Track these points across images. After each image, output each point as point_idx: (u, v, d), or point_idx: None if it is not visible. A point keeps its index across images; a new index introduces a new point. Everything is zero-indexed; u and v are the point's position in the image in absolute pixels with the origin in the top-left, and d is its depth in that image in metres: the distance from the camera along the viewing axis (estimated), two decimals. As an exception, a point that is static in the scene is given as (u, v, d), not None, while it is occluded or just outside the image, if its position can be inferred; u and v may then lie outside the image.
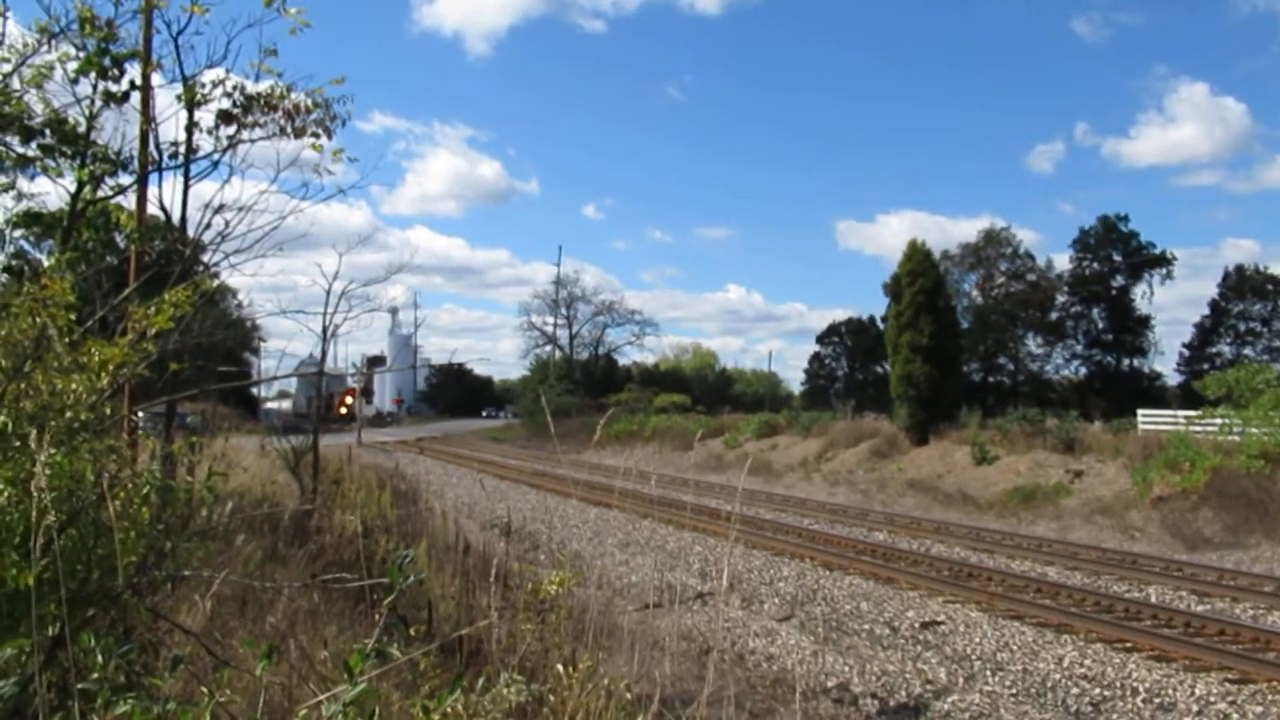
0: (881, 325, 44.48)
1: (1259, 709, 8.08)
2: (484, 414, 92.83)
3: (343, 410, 68.96)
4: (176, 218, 8.60)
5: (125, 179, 8.27)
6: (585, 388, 64.82)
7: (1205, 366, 47.60)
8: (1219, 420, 22.43)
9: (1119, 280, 55.24)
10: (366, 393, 77.02)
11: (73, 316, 3.73)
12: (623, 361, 78.62)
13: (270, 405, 78.92)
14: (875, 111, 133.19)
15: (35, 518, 2.54)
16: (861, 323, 68.60)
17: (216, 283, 9.71)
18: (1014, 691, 8.70)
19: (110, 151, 8.07)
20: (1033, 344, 58.60)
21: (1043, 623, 11.04)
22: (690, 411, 56.48)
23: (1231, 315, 53.08)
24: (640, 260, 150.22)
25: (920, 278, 31.79)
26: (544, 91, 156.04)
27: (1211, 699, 8.38)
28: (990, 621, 11.16)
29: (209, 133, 8.56)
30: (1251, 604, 12.32)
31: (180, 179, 8.60)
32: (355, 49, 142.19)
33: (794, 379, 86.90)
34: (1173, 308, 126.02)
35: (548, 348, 74.72)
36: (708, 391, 74.24)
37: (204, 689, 2.30)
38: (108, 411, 3.69)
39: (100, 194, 8.06)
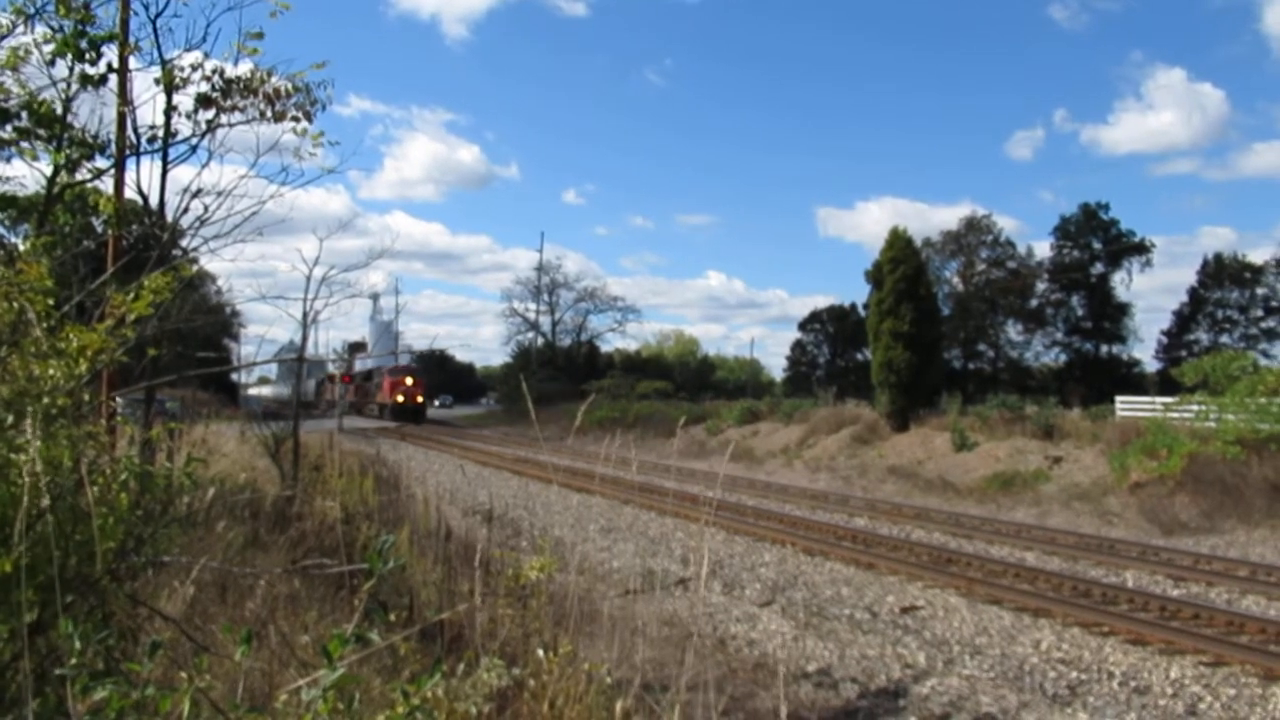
0: (863, 312, 44.64)
1: (1232, 691, 8.20)
2: (438, 403, 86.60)
3: (400, 398, 59.68)
4: (155, 202, 8.53)
5: (102, 163, 8.20)
6: (567, 374, 64.75)
7: (1183, 353, 48.06)
8: (1196, 407, 22.64)
9: (1098, 268, 55.67)
10: (332, 380, 76.74)
11: (50, 301, 3.70)
12: (605, 348, 78.52)
13: (251, 391, 78.45)
14: (855, 96, 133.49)
15: (27, 502, 2.53)
16: (843, 309, 68.81)
17: (196, 268, 9.65)
18: (992, 675, 8.78)
19: (87, 135, 7.99)
20: (1013, 331, 59.11)
21: (1021, 607, 11.15)
22: (672, 398, 56.57)
23: (1209, 303, 53.58)
24: (622, 246, 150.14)
25: (901, 265, 31.93)
26: (523, 75, 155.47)
27: (1186, 682, 8.49)
28: (969, 606, 11.26)
29: (187, 117, 8.48)
30: (1226, 588, 12.48)
31: (158, 163, 8.52)
32: (332, 32, 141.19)
33: (776, 366, 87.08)
34: (1151, 295, 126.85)
35: (530, 334, 74.60)
36: (690, 378, 74.29)
37: (183, 674, 2.29)
38: (85, 398, 3.67)
39: (77, 178, 7.99)
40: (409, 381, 60.57)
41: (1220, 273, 53.32)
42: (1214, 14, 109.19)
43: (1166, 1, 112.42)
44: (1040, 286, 57.52)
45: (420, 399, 61.53)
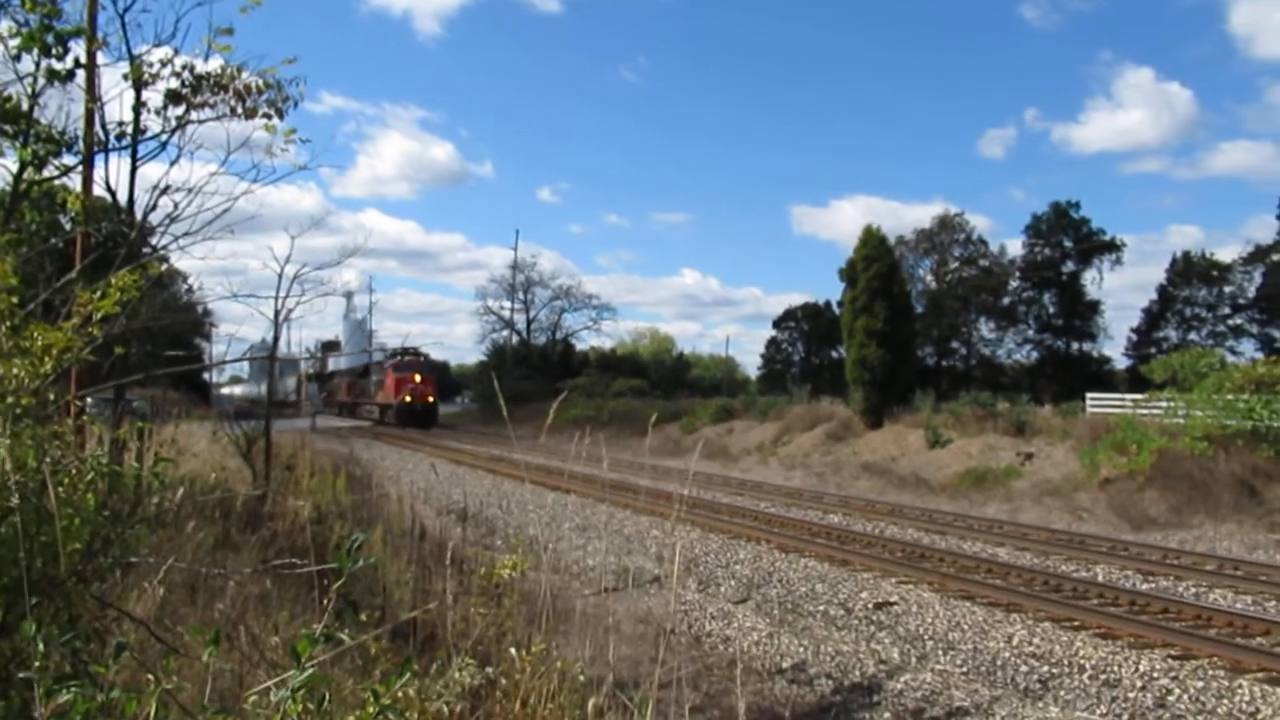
0: (837, 310, 44.94)
1: (1200, 684, 8.30)
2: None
3: (407, 398, 50.33)
4: (124, 199, 8.44)
5: (70, 159, 8.08)
6: (543, 373, 64.63)
7: (1152, 351, 48.56)
8: (1164, 403, 22.91)
9: (1070, 266, 56.16)
10: (321, 378, 75.92)
11: (15, 300, 3.65)
12: (580, 346, 78.42)
13: (224, 391, 77.60)
14: (829, 94, 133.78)
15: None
16: (818, 307, 69.04)
17: (165, 266, 9.54)
18: (965, 670, 8.85)
19: (54, 131, 7.88)
20: (985, 328, 59.56)
21: (993, 602, 11.23)
22: (648, 396, 56.60)
23: (1178, 301, 54.19)
24: (597, 245, 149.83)
25: (875, 263, 32.12)
26: (497, 72, 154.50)
27: (1155, 675, 8.59)
28: (942, 602, 11.33)
29: (157, 113, 8.38)
30: (1194, 582, 12.64)
31: (127, 160, 8.42)
32: (303, 28, 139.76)
33: (751, 363, 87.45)
34: (1121, 293, 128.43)
35: (504, 333, 74.38)
36: (665, 376, 74.33)
37: (150, 676, 2.27)
38: (51, 397, 3.63)
39: (44, 174, 7.88)
40: (418, 379, 51.59)
41: (1189, 271, 53.95)
42: (1182, 14, 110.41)
43: (1135, 1, 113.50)
44: (1012, 284, 58.01)
45: (432, 399, 52.18)
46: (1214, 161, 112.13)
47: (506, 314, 73.76)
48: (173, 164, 8.23)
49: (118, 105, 8.35)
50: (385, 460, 29.41)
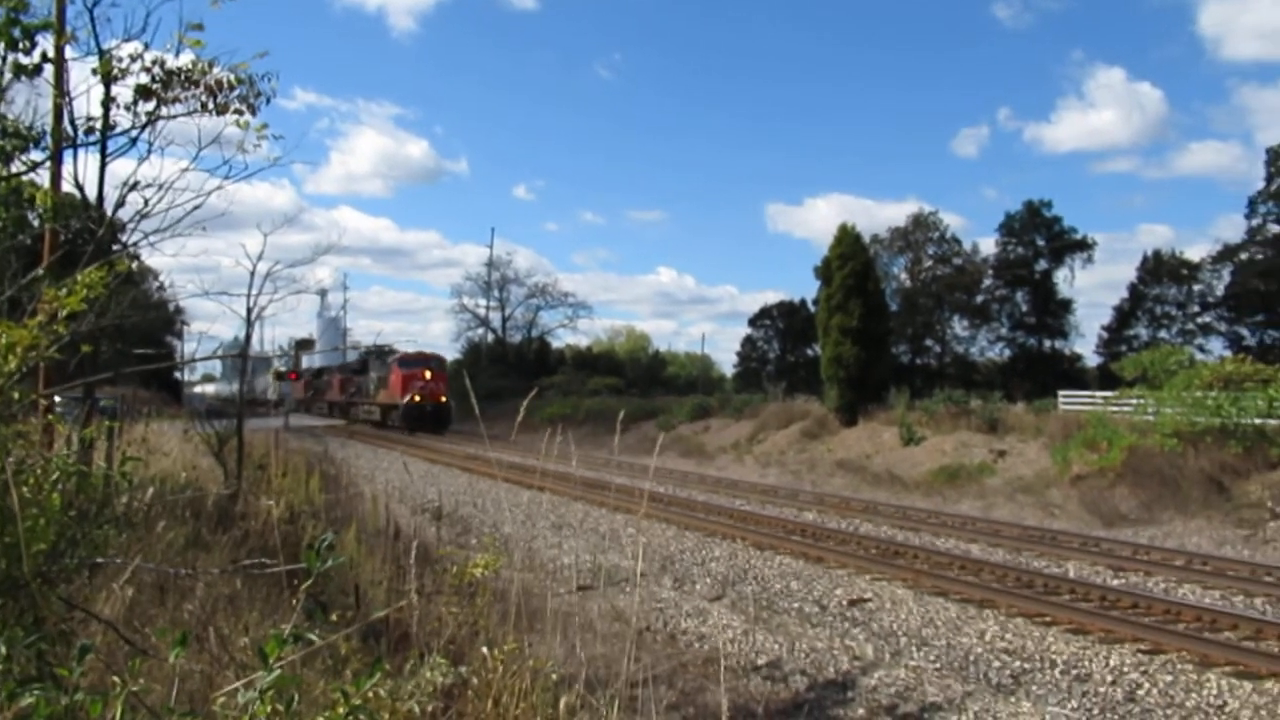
0: (812, 308, 45.09)
1: (1169, 678, 8.39)
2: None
3: (416, 397, 44.38)
4: (93, 195, 8.33)
5: (38, 155, 7.97)
6: (518, 371, 64.47)
7: (1123, 349, 49.10)
8: (1135, 401, 23.15)
9: (1042, 264, 56.69)
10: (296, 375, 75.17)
11: (-21, 297, 3.60)
12: (556, 344, 78.32)
13: (196, 390, 76.89)
14: (804, 92, 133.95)
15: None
16: (793, 305, 69.27)
17: (135, 264, 9.44)
18: (938, 666, 8.90)
19: (21, 126, 7.77)
20: (959, 326, 60.08)
21: (966, 599, 11.32)
22: (624, 394, 56.60)
23: (1148, 299, 54.78)
24: (572, 242, 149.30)
25: (850, 261, 32.28)
26: (472, 69, 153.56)
27: (1125, 669, 8.68)
28: (916, 598, 11.40)
29: (127, 108, 8.28)
30: (1164, 577, 12.78)
31: (96, 155, 8.32)
32: (276, 23, 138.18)
33: (726, 361, 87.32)
34: (1092, 291, 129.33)
35: (480, 330, 74.21)
36: (641, 374, 74.37)
37: (116, 679, 2.24)
38: (15, 396, 3.57)
39: (11, 170, 7.77)
40: (428, 375, 45.39)
41: (1159, 269, 54.56)
42: (1152, 14, 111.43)
43: (1106, 2, 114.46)
44: (985, 283, 58.46)
45: (444, 399, 45.43)
46: (1183, 161, 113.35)
47: (482, 312, 73.67)
48: (143, 160, 8.13)
49: (86, 100, 8.25)
50: (360, 459, 29.26)
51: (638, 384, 67.26)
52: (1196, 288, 53.64)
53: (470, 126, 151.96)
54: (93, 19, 7.85)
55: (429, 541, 6.46)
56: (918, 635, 9.99)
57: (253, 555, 6.42)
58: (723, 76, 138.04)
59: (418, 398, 44.31)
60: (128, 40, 7.96)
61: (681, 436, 37.05)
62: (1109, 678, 8.50)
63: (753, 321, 73.13)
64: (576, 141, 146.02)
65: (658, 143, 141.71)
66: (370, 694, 2.29)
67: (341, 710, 2.22)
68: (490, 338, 73.52)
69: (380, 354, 50.58)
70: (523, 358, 71.02)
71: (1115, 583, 12.44)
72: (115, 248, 7.92)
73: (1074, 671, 8.71)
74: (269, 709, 2.14)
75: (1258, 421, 19.49)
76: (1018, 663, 8.97)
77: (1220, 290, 52.46)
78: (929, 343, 60.12)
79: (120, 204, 7.68)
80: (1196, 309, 53.49)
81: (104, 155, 8.41)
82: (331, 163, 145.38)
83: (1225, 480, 18.98)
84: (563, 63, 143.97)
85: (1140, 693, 8.12)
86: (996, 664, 8.95)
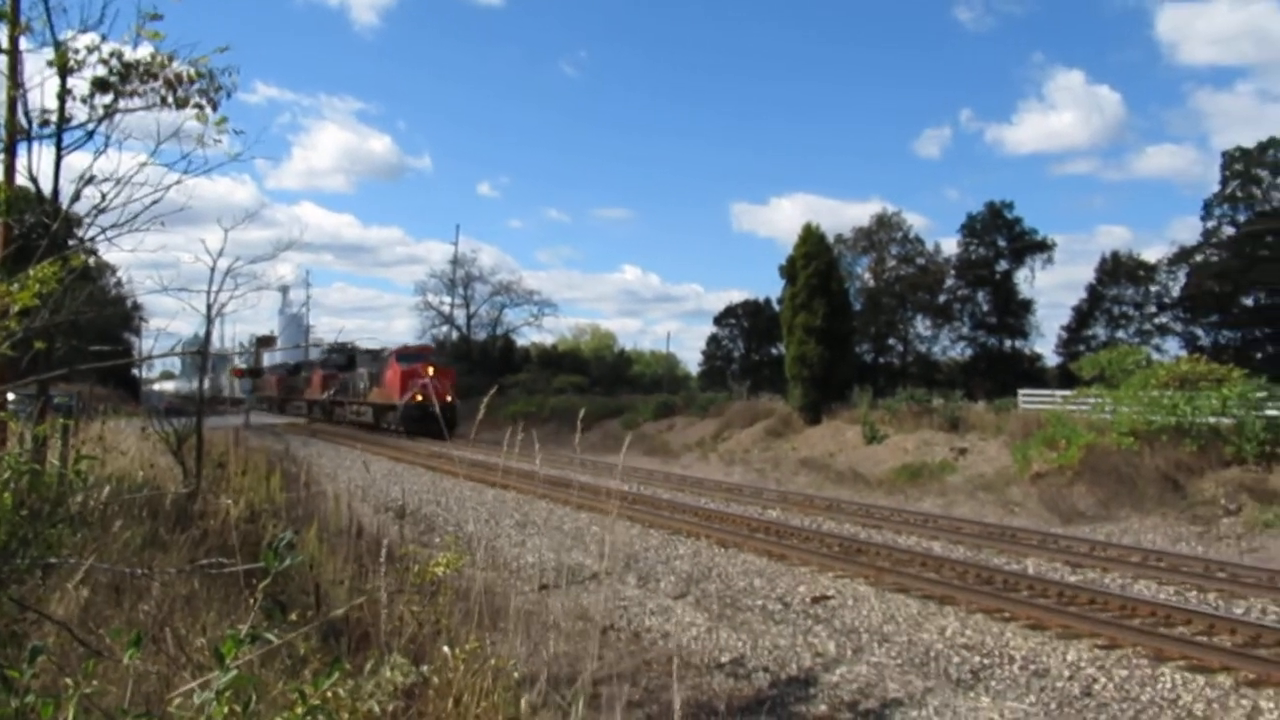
0: (777, 307, 45.27)
1: (1125, 673, 8.53)
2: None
3: (418, 397, 37.67)
4: (48, 189, 8.18)
5: (-9, 147, 7.82)
6: (483, 369, 64.16)
7: (1081, 348, 49.83)
8: (1093, 400, 23.49)
9: (1003, 265, 57.35)
10: (255, 373, 74.19)
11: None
12: (521, 342, 78.00)
13: (155, 387, 75.77)
14: (768, 89, 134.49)
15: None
16: (758, 304, 69.50)
17: (92, 259, 9.29)
18: (899, 662, 8.98)
19: (-27, 118, 7.62)
20: (921, 326, 60.66)
21: (927, 595, 11.42)
22: (589, 392, 56.55)
23: (1106, 299, 55.62)
24: (537, 240, 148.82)
25: (815, 260, 32.48)
26: (435, 65, 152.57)
27: (1082, 664, 8.81)
28: (878, 595, 11.49)
29: (83, 101, 8.14)
30: (1120, 573, 12.98)
31: (52, 148, 8.17)
32: (237, 16, 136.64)
33: (692, 360, 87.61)
34: (1052, 291, 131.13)
35: (444, 328, 73.77)
36: (606, 372, 74.28)
37: (69, 681, 2.21)
38: (-33, 392, 3.51)
39: (-37, 163, 7.61)
40: (431, 371, 39.57)
41: (1116, 270, 55.41)
42: (1111, 18, 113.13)
43: (1066, 5, 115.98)
44: (947, 283, 59.06)
45: (451, 398, 39.45)
46: (1141, 164, 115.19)
47: (446, 309, 73.22)
48: (99, 153, 8.00)
49: (41, 93, 8.10)
50: (322, 457, 29.00)
51: (603, 382, 67.19)
52: (1153, 289, 54.62)
53: (434, 122, 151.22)
54: (48, 9, 7.71)
55: (392, 540, 6.42)
56: (879, 632, 10.07)
57: (211, 555, 6.34)
58: (688, 75, 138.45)
59: (420, 397, 37.95)
60: (84, 32, 7.84)
61: (646, 435, 37.07)
62: (1066, 673, 8.62)
63: (718, 320, 73.35)
64: (541, 138, 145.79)
65: (623, 140, 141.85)
66: (329, 694, 2.27)
67: (300, 710, 2.20)
68: (455, 335, 73.10)
69: (371, 350, 47.29)
70: (487, 356, 70.68)
71: (1073, 579, 12.62)
72: (71, 242, 7.79)
73: (1032, 667, 8.82)
74: (226, 710, 2.12)
75: (1211, 420, 19.84)
76: (977, 658, 9.07)
77: (1176, 291, 53.45)
78: (892, 342, 60.63)
79: (76, 198, 7.56)
80: (1153, 309, 54.44)
81: (60, 148, 8.27)
82: (293, 158, 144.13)
83: (1180, 478, 19.31)
84: (528, 59, 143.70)
85: (1096, 687, 8.24)
86: (956, 660, 9.05)
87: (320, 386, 53.88)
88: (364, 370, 46.68)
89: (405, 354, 42.88)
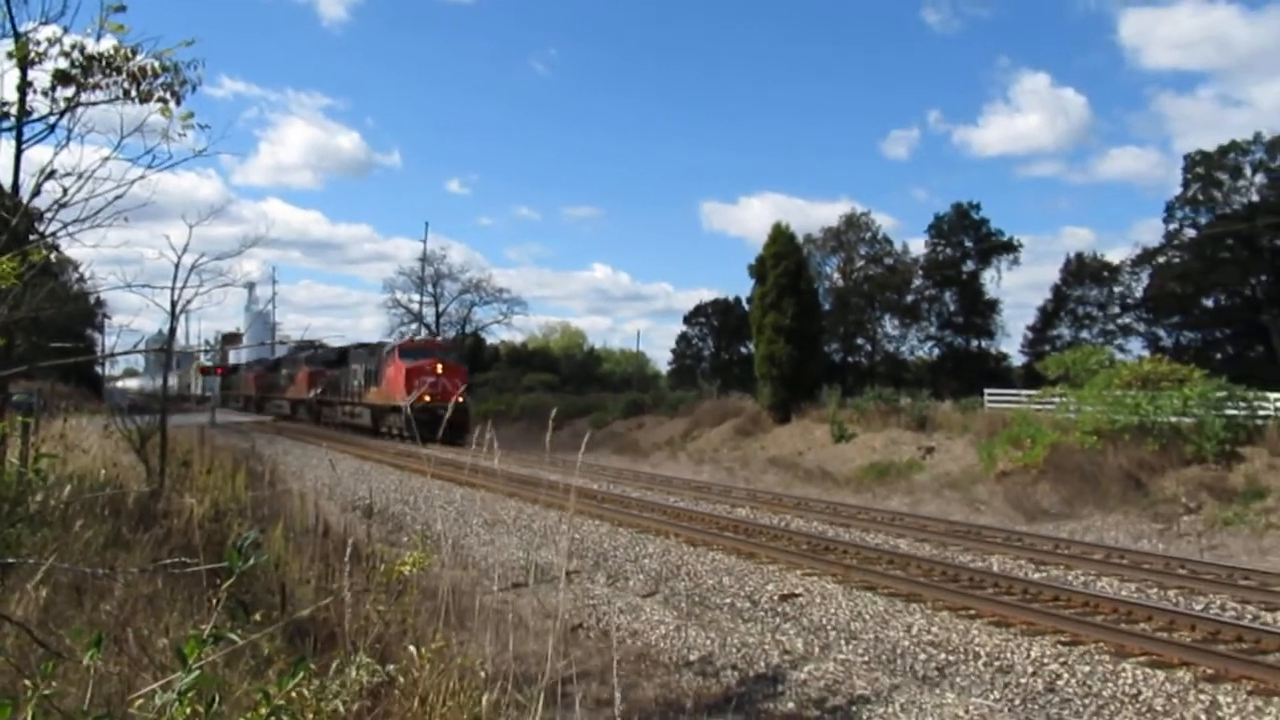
0: (747, 306, 45.46)
1: (1087, 669, 8.63)
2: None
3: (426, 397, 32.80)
4: (7, 183, 8.05)
5: (-51, 141, 7.68)
6: (452, 367, 63.74)
7: (1046, 348, 50.37)
8: (1057, 399, 23.76)
9: (970, 265, 57.93)
10: (231, 370, 73.36)
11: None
12: (490, 340, 77.68)
13: (118, 385, 74.77)
14: (738, 89, 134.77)
15: None
16: (727, 303, 69.76)
17: (54, 255, 9.13)
18: (866, 659, 9.04)
19: (-69, 111, 7.48)
20: (889, 325, 61.21)
21: (894, 592, 11.50)
22: (559, 391, 56.48)
23: (1071, 300, 56.35)
24: (507, 237, 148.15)
25: (784, 260, 32.64)
26: (405, 61, 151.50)
27: (1046, 660, 8.91)
28: (845, 593, 11.56)
29: (44, 94, 8.01)
30: (1083, 570, 13.14)
31: (11, 142, 8.04)
32: (203, 10, 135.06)
33: (662, 359, 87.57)
34: (1017, 292, 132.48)
35: (413, 326, 73.26)
36: (576, 371, 74.25)
37: (28, 682, 2.18)
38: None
39: (-80, 156, 7.47)
40: (440, 369, 35.75)
41: (1081, 271, 56.14)
42: (1075, 23, 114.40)
43: (1032, 9, 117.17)
44: (915, 283, 59.58)
45: (462, 399, 28.73)
46: (1105, 167, 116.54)
47: (415, 307, 72.70)
48: (61, 147, 7.87)
49: (0, 85, 7.97)
50: (288, 456, 28.75)
51: (572, 381, 67.14)
52: (1117, 289, 55.44)
53: (402, 119, 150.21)
54: (8, 1, 7.58)
55: (359, 539, 6.38)
56: (846, 629, 10.14)
57: (175, 554, 6.27)
58: (659, 74, 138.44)
59: (428, 397, 33.31)
60: (45, 23, 7.69)
61: (616, 433, 37.10)
62: (1030, 669, 8.72)
63: (688, 319, 73.57)
64: (511, 136, 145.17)
65: (593, 139, 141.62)
66: (294, 694, 2.25)
67: (264, 711, 2.18)
68: (424, 334, 72.68)
69: (367, 345, 43.45)
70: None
71: (1037, 576, 12.75)
72: (32, 238, 7.66)
73: (997, 663, 8.91)
74: (188, 711, 2.09)
75: (1173, 420, 20.14)
76: (943, 655, 9.15)
77: (1139, 292, 54.26)
78: (860, 341, 61.09)
79: (36, 192, 7.43)
80: (1116, 310, 55.25)
81: (19, 141, 8.12)
82: (260, 153, 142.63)
83: (1142, 476, 19.59)
84: (498, 56, 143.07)
85: (1060, 683, 8.34)
86: (923, 656, 9.12)
87: (306, 385, 49.87)
88: (358, 367, 42.05)
89: (409, 349, 38.40)
